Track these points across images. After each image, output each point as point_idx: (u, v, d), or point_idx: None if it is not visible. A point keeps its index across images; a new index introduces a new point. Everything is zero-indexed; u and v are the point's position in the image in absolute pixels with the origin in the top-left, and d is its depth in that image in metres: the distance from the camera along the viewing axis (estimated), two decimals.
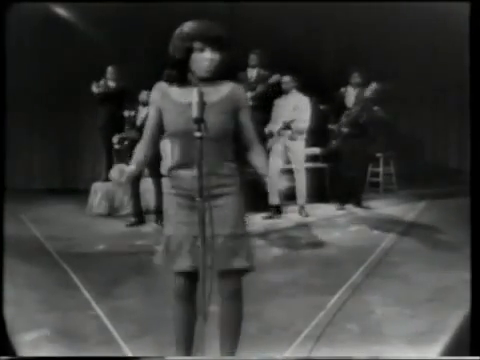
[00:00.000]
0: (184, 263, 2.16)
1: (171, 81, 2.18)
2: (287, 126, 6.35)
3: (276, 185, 6.38)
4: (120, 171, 2.22)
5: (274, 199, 6.43)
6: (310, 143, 7.13)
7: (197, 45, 2.07)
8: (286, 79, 6.53)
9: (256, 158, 2.27)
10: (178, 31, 2.13)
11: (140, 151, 2.28)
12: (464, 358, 1.95)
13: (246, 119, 2.22)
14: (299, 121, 6.40)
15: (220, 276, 2.18)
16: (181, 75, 2.15)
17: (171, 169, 2.23)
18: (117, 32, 8.05)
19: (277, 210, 6.51)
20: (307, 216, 6.42)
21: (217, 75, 2.14)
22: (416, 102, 8.85)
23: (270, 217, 6.41)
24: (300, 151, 6.59)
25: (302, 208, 6.52)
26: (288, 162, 6.63)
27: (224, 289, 2.21)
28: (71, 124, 9.51)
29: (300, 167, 6.55)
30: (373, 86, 6.37)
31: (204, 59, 2.08)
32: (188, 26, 2.11)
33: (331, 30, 8.32)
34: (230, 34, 2.15)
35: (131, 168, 2.24)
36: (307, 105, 6.51)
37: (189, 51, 2.09)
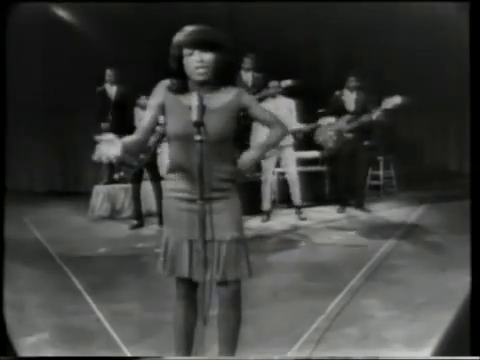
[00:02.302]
0: (183, 270, 2.18)
1: (174, 91, 2.17)
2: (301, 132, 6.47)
3: (269, 191, 6.49)
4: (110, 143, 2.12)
5: (267, 205, 6.57)
6: (305, 146, 7.16)
7: (186, 51, 2.08)
8: (273, 83, 6.56)
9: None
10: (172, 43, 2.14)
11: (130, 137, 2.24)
12: (464, 358, 1.95)
13: (259, 113, 2.27)
14: (292, 124, 6.45)
15: (219, 283, 2.18)
16: (181, 84, 2.16)
17: (170, 171, 2.24)
18: (117, 34, 8.04)
19: (268, 214, 6.57)
20: (304, 219, 6.45)
21: (219, 79, 2.14)
22: (416, 104, 8.83)
23: (266, 220, 6.49)
24: (291, 153, 6.62)
25: (299, 210, 6.55)
26: (277, 165, 6.74)
27: (223, 295, 2.22)
28: (72, 126, 9.51)
29: (293, 169, 6.58)
30: (397, 100, 6.22)
31: (194, 61, 2.07)
32: (177, 35, 2.12)
33: (330, 33, 8.32)
34: (227, 35, 2.15)
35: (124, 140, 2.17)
36: (295, 108, 6.59)
37: (181, 59, 2.10)
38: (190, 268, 2.16)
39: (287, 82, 6.67)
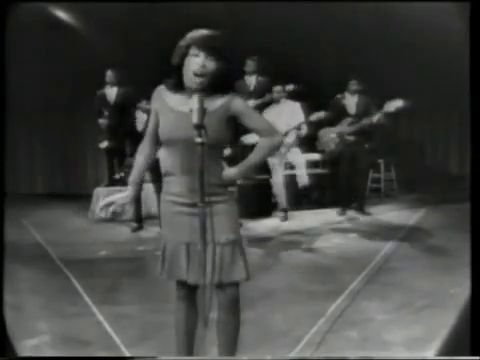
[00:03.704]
0: (181, 273, 2.17)
1: (169, 88, 2.19)
2: (298, 128, 6.46)
3: (283, 189, 6.48)
4: (108, 204, 2.31)
5: (283, 202, 6.58)
6: (307, 149, 7.17)
7: (193, 51, 2.08)
8: (277, 89, 6.58)
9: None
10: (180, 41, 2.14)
11: (140, 162, 2.33)
12: (464, 358, 1.94)
13: (250, 120, 2.20)
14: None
15: (218, 286, 2.17)
16: (178, 82, 2.15)
17: (166, 175, 2.22)
18: (118, 34, 8.04)
19: (285, 212, 6.60)
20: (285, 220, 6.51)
21: (213, 86, 2.13)
22: (416, 107, 8.83)
23: (284, 219, 6.52)
24: (300, 155, 6.66)
25: (285, 212, 6.60)
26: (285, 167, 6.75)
27: (221, 301, 2.21)
28: (73, 128, 9.52)
29: (303, 171, 6.58)
30: (399, 103, 6.26)
31: (196, 63, 2.07)
32: (189, 34, 2.13)
33: (331, 36, 8.32)
34: (230, 41, 2.15)
35: (126, 195, 2.35)
36: (301, 110, 6.61)
37: (184, 57, 2.10)
38: (187, 271, 2.15)
39: (290, 87, 6.68)
